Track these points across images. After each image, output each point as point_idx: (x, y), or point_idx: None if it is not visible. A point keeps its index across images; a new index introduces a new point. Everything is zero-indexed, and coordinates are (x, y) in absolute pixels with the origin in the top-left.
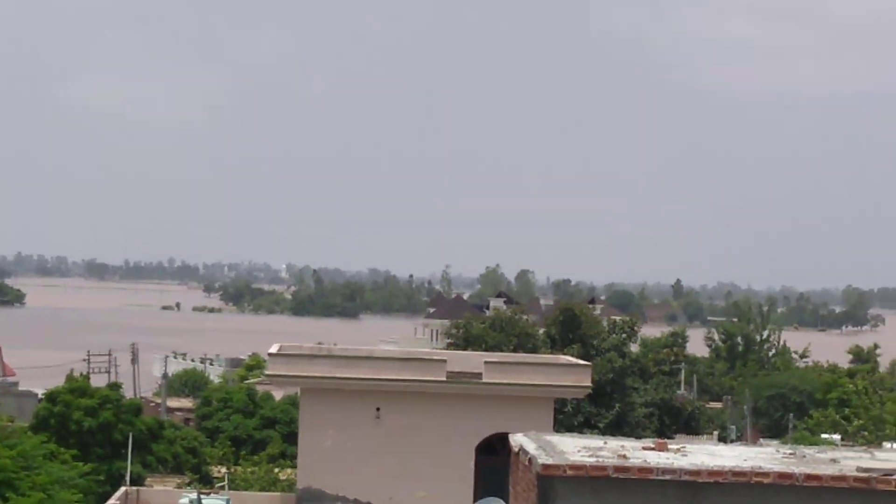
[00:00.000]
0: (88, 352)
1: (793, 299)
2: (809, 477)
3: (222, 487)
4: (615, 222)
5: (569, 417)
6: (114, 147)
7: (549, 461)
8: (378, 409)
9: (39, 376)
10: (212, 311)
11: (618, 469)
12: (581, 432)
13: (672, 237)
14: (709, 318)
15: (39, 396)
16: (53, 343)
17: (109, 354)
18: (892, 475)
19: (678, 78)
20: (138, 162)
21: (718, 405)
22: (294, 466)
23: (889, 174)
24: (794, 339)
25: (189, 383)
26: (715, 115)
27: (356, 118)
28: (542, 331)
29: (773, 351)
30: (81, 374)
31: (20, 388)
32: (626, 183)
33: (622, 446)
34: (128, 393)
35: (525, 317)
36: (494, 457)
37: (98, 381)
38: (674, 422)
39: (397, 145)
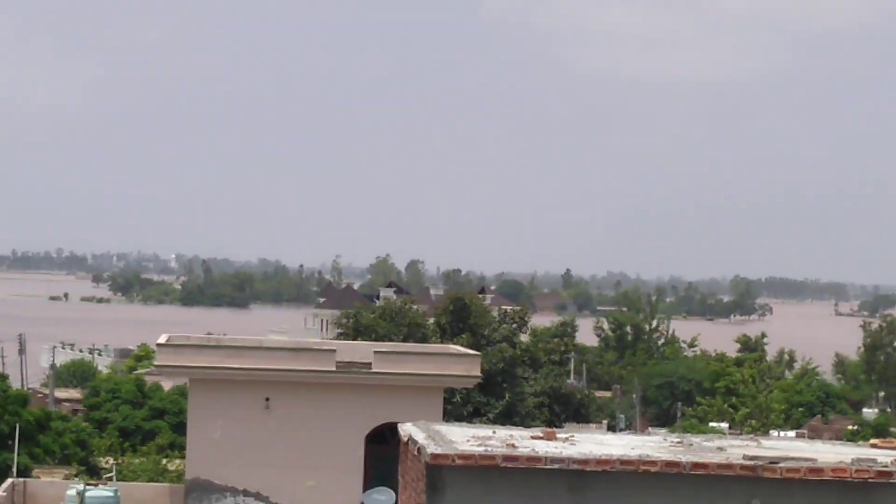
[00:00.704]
0: None
1: (681, 289)
2: (696, 465)
3: (110, 478)
4: (502, 211)
5: (458, 407)
6: None
7: (438, 450)
8: (267, 399)
9: None
10: (100, 301)
11: (506, 458)
12: (471, 422)
13: (561, 227)
14: (598, 307)
15: None
16: None
17: None
18: (777, 463)
19: (564, 65)
20: (25, 149)
21: (608, 394)
22: (183, 457)
23: (773, 163)
24: (683, 329)
25: (77, 374)
26: (600, 103)
27: (241, 105)
28: (432, 321)
29: (662, 340)
30: None
31: None
32: (514, 171)
33: (511, 435)
34: (15, 384)
35: (415, 307)
36: (384, 446)
37: None
38: (564, 411)
39: (286, 133)
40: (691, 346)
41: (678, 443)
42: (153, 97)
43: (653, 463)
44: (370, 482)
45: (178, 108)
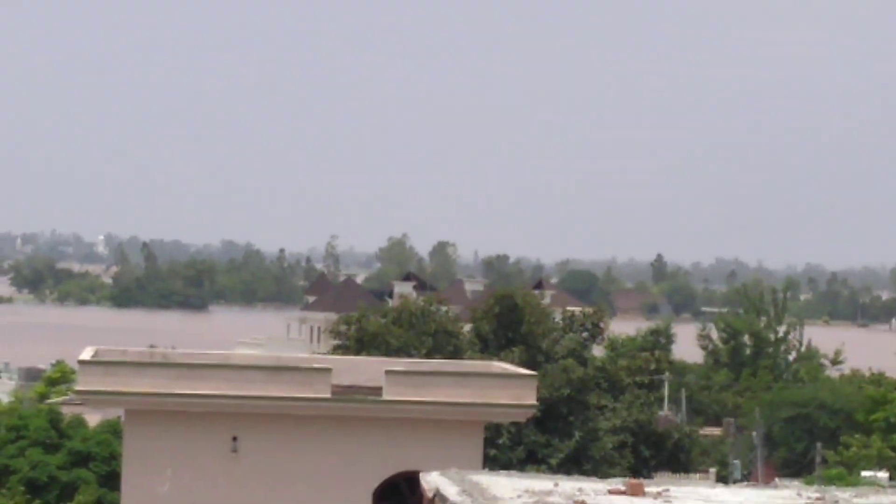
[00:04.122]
0: None
1: (822, 282)
2: None
3: None
4: (569, 176)
5: (506, 451)
6: None
7: None
8: (235, 438)
9: None
10: None
11: None
12: (523, 471)
13: (650, 197)
14: (703, 308)
15: None
16: None
17: None
18: None
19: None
20: None
21: (717, 431)
22: None
23: None
24: (824, 338)
25: None
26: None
27: (198, 49)
28: (468, 328)
29: (794, 354)
30: None
31: None
32: (582, 120)
33: (580, 489)
34: None
35: (444, 308)
36: None
37: None
38: (655, 454)
39: (259, 79)
40: (836, 362)
41: (818, 500)
42: (74, 29)
43: None
44: None
45: (106, 45)
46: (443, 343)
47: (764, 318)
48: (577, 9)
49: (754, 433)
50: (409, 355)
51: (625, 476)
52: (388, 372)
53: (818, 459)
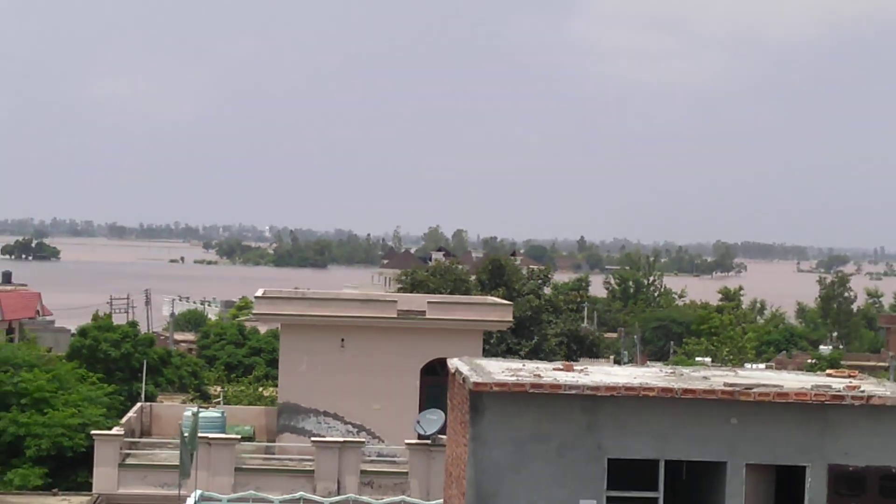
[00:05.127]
0: (111, 296)
1: (673, 251)
2: (686, 391)
3: (218, 403)
4: (530, 190)
5: (494, 347)
6: (128, 131)
7: (479, 380)
8: (343, 339)
9: (71, 316)
10: (209, 263)
11: (533, 386)
12: (504, 358)
13: (577, 202)
14: (606, 266)
15: (72, 332)
16: (83, 289)
17: (128, 298)
18: (751, 389)
19: (576, 72)
20: (149, 143)
21: (614, 335)
22: (276, 386)
23: (747, 156)
24: (674, 283)
25: (192, 321)
26: (602, 105)
27: (320, 102)
28: (473, 277)
29: (658, 292)
30: (105, 314)
31: (56, 325)
32: (541, 158)
33: (537, 368)
34: (142, 328)
35: (460, 266)
36: (436, 377)
37: (118, 320)
38: (579, 349)
39: (355, 125)
40: (681, 296)
41: (671, 373)
42: (251, 103)
43: (651, 389)
44: (424, 405)
45: (267, 110)
46: (459, 286)
47: (641, 272)
48: None
49: (635, 336)
50: (441, 293)
51: (562, 361)
52: (429, 302)
53: (671, 351)
